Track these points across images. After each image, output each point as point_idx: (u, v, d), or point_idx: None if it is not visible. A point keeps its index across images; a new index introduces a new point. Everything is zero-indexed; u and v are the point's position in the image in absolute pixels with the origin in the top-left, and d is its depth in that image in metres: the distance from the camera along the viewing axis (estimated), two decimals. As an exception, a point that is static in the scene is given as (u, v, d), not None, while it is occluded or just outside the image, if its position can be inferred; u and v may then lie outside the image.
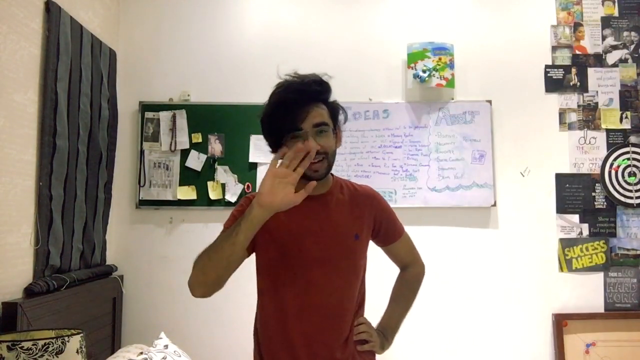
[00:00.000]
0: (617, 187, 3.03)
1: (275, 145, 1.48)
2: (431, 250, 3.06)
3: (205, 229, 2.93)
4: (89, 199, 2.68)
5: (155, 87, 3.14)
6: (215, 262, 1.31)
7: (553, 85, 3.13)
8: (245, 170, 3.05)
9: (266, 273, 1.51)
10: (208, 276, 1.33)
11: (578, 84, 3.12)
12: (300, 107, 1.42)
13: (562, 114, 3.12)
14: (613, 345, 2.93)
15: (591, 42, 3.14)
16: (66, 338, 1.74)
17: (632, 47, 3.13)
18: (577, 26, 3.15)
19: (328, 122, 1.46)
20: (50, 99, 2.32)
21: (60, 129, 2.37)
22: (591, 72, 3.12)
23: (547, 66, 3.14)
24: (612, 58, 3.13)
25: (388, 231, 1.66)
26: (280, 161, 1.29)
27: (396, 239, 1.68)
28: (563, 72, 3.13)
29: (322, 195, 1.53)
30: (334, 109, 1.51)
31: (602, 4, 3.16)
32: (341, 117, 1.55)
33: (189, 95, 3.10)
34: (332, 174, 1.57)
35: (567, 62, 3.13)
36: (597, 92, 3.11)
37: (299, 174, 1.28)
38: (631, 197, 3.02)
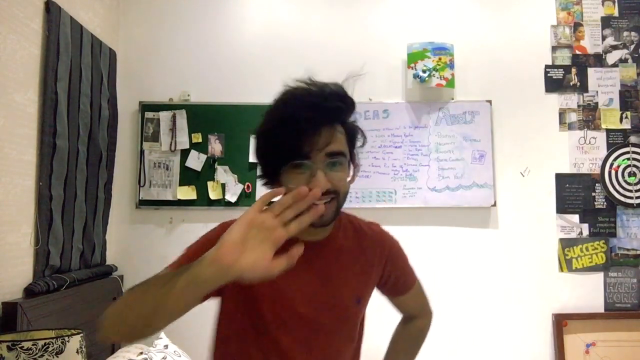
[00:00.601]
0: (617, 187, 3.03)
1: (269, 174, 1.12)
2: (431, 250, 3.06)
3: (205, 229, 2.90)
4: (89, 199, 2.68)
5: (155, 87, 3.14)
6: (138, 312, 0.94)
7: (553, 85, 3.13)
8: (245, 170, 3.05)
9: (234, 332, 1.19)
10: (124, 325, 0.96)
11: (578, 84, 3.12)
12: (312, 129, 1.04)
13: (562, 114, 3.12)
14: (613, 345, 2.93)
15: (591, 42, 3.14)
16: (66, 338, 1.74)
17: (632, 47, 3.13)
18: (577, 26, 3.15)
19: (345, 151, 1.11)
20: (50, 99, 2.32)
21: (60, 129, 2.37)
22: (591, 72, 3.12)
23: (547, 66, 3.14)
24: (612, 58, 3.12)
25: (398, 284, 1.35)
26: (271, 202, 0.89)
27: (406, 292, 1.39)
28: (563, 72, 3.13)
29: (321, 242, 1.17)
30: (353, 133, 1.16)
31: (602, 4, 3.16)
32: (358, 143, 1.20)
33: (189, 95, 3.10)
34: None
35: (567, 62, 3.13)
36: (597, 92, 3.11)
37: (289, 233, 0.86)
38: (631, 197, 3.02)
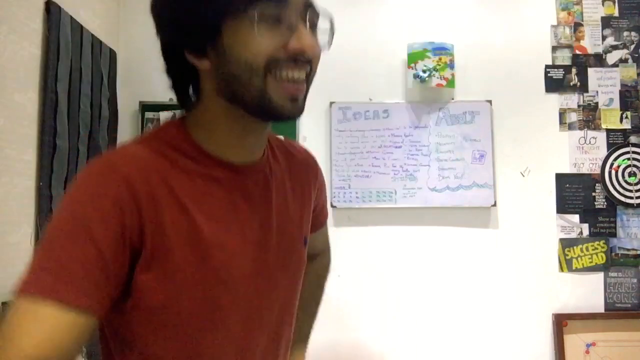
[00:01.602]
0: (617, 187, 3.03)
1: (192, 32, 0.75)
2: (431, 250, 3.06)
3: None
4: (89, 199, 2.68)
5: (155, 87, 3.13)
6: None
7: (553, 85, 3.13)
8: (245, 170, 3.04)
9: (146, 338, 0.74)
10: None
11: (578, 84, 3.11)
12: None
13: (562, 114, 3.12)
14: (613, 345, 2.93)
15: (591, 42, 3.14)
16: (66, 338, 1.74)
17: (633, 47, 3.13)
18: (577, 26, 3.15)
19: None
20: (50, 99, 2.31)
21: (60, 129, 2.37)
22: (591, 72, 3.12)
23: (547, 66, 3.14)
24: (612, 58, 3.12)
25: (320, 216, 1.11)
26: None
27: (323, 226, 1.17)
28: (563, 72, 3.13)
29: (255, 166, 0.83)
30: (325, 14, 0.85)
31: (602, 4, 3.16)
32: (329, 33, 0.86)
33: (189, 95, 3.10)
34: None
35: (567, 62, 3.13)
36: (597, 92, 3.11)
37: None
38: (631, 197, 3.02)
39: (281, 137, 0.98)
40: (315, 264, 1.23)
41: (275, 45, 0.72)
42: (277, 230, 0.84)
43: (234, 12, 0.69)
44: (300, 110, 0.77)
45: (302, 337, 1.20)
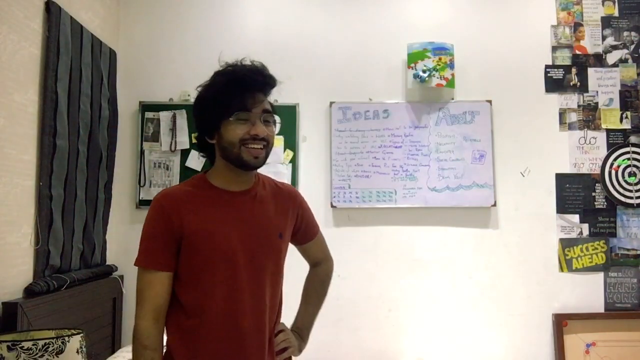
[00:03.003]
0: (617, 187, 3.03)
1: (209, 127, 1.41)
2: (431, 250, 3.06)
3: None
4: (89, 199, 2.68)
5: (155, 87, 3.14)
6: None
7: (553, 85, 3.13)
8: (245, 170, 3.05)
9: (187, 281, 1.38)
10: None
11: (578, 84, 3.12)
12: (255, 89, 1.37)
13: (562, 114, 3.12)
14: (613, 345, 2.93)
15: (591, 42, 3.14)
16: (66, 338, 1.74)
17: (632, 47, 3.13)
18: (577, 26, 3.15)
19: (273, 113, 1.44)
20: (50, 99, 2.32)
21: (60, 129, 2.37)
22: (591, 72, 3.12)
23: (547, 66, 3.14)
24: (612, 58, 3.13)
25: (307, 230, 1.61)
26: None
27: (313, 238, 1.64)
28: (563, 72, 3.13)
29: (245, 191, 1.45)
30: (274, 110, 1.46)
31: (602, 4, 3.16)
32: (278, 121, 1.51)
33: (189, 95, 3.10)
34: None
35: (567, 62, 3.13)
36: (597, 92, 3.11)
37: None
38: (631, 197, 3.02)
39: (273, 178, 1.60)
40: (318, 270, 1.69)
41: (244, 132, 1.37)
42: (257, 223, 1.44)
43: (225, 117, 1.37)
44: (260, 164, 1.41)
45: (307, 323, 1.64)
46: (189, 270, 1.38)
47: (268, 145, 1.41)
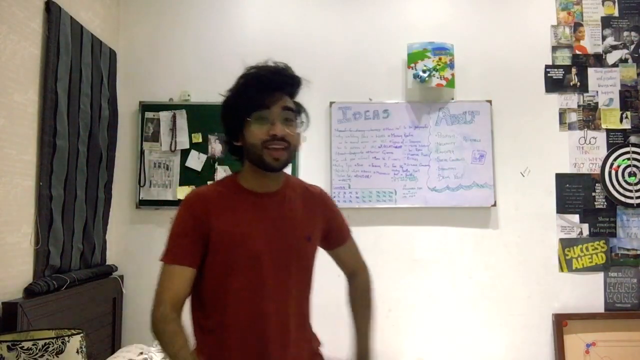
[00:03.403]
0: (617, 187, 3.03)
1: (234, 130, 1.41)
2: (431, 250, 3.06)
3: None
4: (89, 199, 2.68)
5: (155, 87, 3.14)
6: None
7: (553, 85, 3.13)
8: (245, 170, 3.05)
9: (211, 281, 1.38)
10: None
11: (578, 84, 3.12)
12: (273, 88, 1.36)
13: (562, 114, 3.12)
14: (613, 345, 2.93)
15: (591, 42, 3.14)
16: (66, 338, 1.74)
17: (632, 47, 3.13)
18: (577, 26, 3.15)
19: (295, 110, 1.42)
20: (50, 99, 2.32)
21: (60, 129, 2.37)
22: (591, 72, 3.12)
23: (547, 66, 3.14)
24: (612, 58, 3.13)
25: (337, 234, 1.59)
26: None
27: (345, 241, 1.61)
28: (563, 72, 3.13)
29: (273, 193, 1.44)
30: (300, 109, 1.46)
31: (602, 4, 3.16)
32: (304, 121, 1.49)
33: (189, 95, 3.10)
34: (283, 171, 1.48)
35: (567, 62, 3.14)
36: (597, 92, 3.11)
37: None
38: (631, 197, 3.02)
39: (304, 180, 1.61)
40: (356, 282, 1.65)
41: (264, 133, 1.35)
42: (284, 225, 1.42)
43: (245, 118, 1.37)
44: (281, 166, 1.39)
45: (363, 334, 1.62)
46: (213, 270, 1.37)
47: (290, 146, 1.38)
